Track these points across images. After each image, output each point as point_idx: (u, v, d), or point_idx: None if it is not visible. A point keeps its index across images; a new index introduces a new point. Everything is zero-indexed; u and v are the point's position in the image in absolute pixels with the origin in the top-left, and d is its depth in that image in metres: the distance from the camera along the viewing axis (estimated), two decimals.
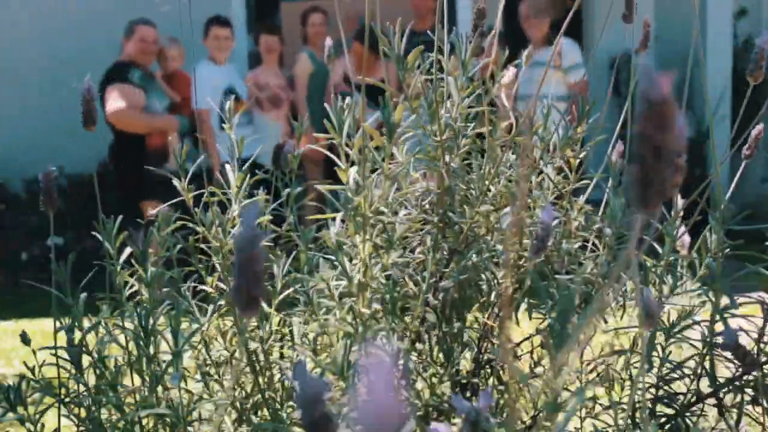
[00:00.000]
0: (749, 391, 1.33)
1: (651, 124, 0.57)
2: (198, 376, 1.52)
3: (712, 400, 1.39)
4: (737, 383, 1.34)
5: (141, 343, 1.37)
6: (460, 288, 1.41)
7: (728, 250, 1.44)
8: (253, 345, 1.45)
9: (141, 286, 1.46)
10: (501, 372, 1.48)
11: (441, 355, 1.42)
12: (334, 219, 1.43)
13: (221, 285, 1.54)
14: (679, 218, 1.57)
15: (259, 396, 1.44)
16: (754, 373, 1.31)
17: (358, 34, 5.16)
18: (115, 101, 4.18)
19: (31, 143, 6.10)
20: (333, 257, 1.38)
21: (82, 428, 1.36)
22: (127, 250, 1.43)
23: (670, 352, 1.44)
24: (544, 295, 1.31)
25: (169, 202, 1.61)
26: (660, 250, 1.52)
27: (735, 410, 1.35)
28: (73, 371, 1.38)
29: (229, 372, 1.48)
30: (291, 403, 1.42)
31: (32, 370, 1.39)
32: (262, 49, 5.22)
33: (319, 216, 1.52)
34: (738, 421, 1.34)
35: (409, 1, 5.44)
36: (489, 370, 1.53)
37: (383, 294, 1.34)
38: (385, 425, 0.47)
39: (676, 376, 1.44)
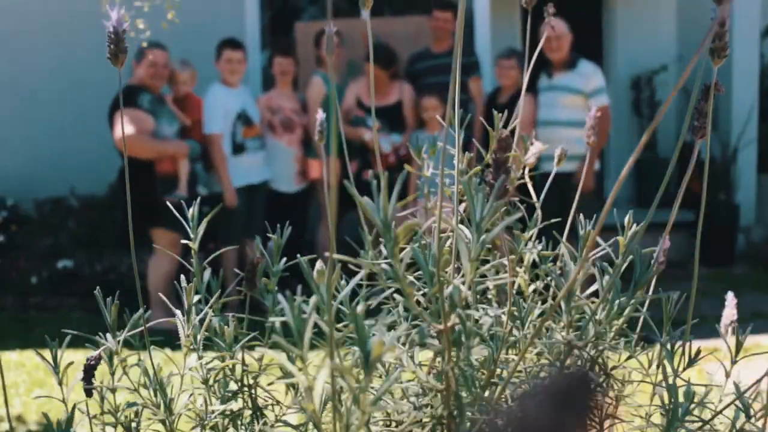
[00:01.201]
0: None
1: None
2: None
3: None
4: None
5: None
6: None
7: None
8: None
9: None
10: None
11: None
12: None
13: None
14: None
15: None
16: None
17: (374, 54, 5.14)
18: (122, 127, 4.18)
19: (43, 163, 6.12)
20: None
21: None
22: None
23: None
24: None
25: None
26: None
27: None
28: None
29: None
30: None
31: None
32: (275, 72, 5.21)
33: None
34: None
35: (427, 23, 5.42)
36: None
37: None
38: None
39: None
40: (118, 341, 1.34)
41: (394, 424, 1.21)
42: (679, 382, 1.22)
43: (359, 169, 5.15)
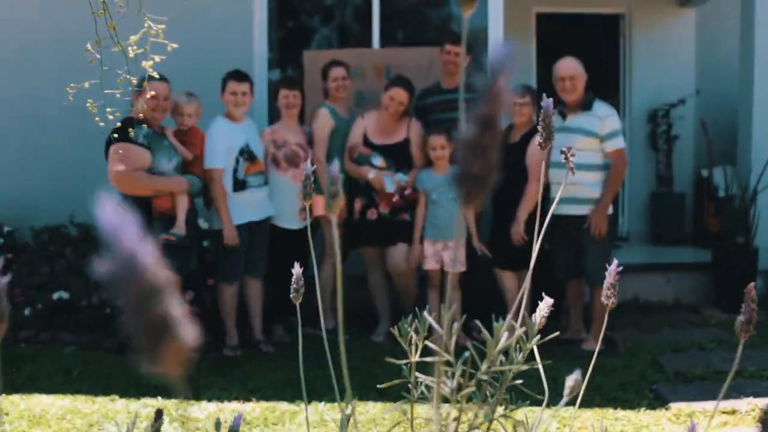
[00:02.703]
0: None
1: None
2: None
3: None
4: None
5: None
6: None
7: None
8: None
9: None
10: None
11: None
12: None
13: None
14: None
15: None
16: None
17: (391, 83, 5.08)
18: (116, 163, 4.09)
19: (41, 191, 6.06)
20: None
21: None
22: None
23: None
24: None
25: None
26: None
27: None
28: None
29: None
30: None
31: None
32: (280, 105, 5.14)
33: None
34: None
35: (438, 56, 5.35)
36: None
37: None
38: None
39: None
40: None
41: None
42: None
43: (364, 208, 5.07)
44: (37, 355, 4.88)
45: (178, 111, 4.69)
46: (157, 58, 2.31)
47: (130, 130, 3.82)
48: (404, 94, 5.01)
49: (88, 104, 2.14)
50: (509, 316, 1.24)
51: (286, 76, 5.70)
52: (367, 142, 5.12)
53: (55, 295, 5.60)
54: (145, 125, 4.41)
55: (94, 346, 5.06)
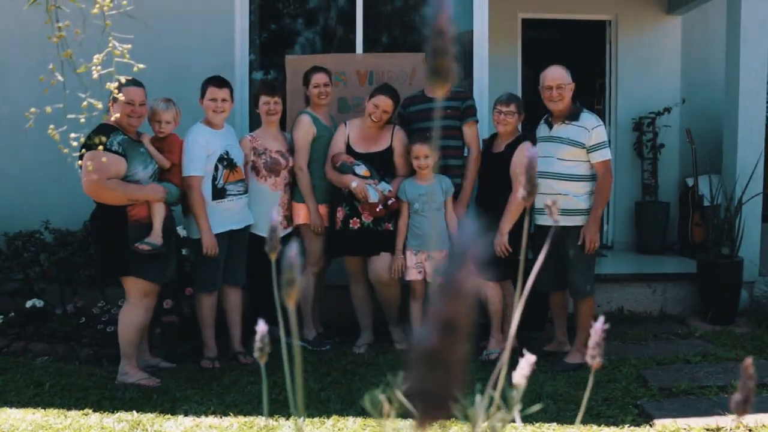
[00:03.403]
0: None
1: None
2: None
3: None
4: None
5: None
6: None
7: None
8: None
9: None
10: None
11: None
12: None
13: None
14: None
15: None
16: None
17: (376, 90, 5.02)
18: (89, 171, 3.99)
19: (14, 196, 5.95)
20: None
21: None
22: None
23: None
24: None
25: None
26: None
27: None
28: None
29: None
30: None
31: None
32: (261, 112, 5.06)
33: None
34: None
35: (423, 63, 5.30)
36: None
37: None
38: None
39: None
40: None
41: None
42: None
43: (346, 217, 5.00)
44: (7, 366, 4.78)
45: (155, 118, 4.59)
46: (123, 79, 2.23)
47: (102, 138, 3.73)
48: (389, 102, 4.96)
49: (50, 131, 2.07)
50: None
51: (266, 82, 5.60)
52: (349, 150, 5.05)
53: (29, 303, 5.50)
54: (120, 132, 4.31)
55: (68, 357, 4.97)
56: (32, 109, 2.12)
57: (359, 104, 5.71)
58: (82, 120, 2.27)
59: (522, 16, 7.66)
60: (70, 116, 2.18)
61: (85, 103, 2.27)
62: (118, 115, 3.55)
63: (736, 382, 4.26)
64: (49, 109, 2.10)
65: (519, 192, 1.16)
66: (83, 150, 3.28)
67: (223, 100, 4.76)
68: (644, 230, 7.43)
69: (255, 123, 5.61)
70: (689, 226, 7.04)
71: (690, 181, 7.16)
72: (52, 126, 2.19)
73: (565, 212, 4.68)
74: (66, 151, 2.12)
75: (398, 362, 4.88)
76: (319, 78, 5.15)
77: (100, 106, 2.25)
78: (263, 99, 5.02)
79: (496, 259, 4.76)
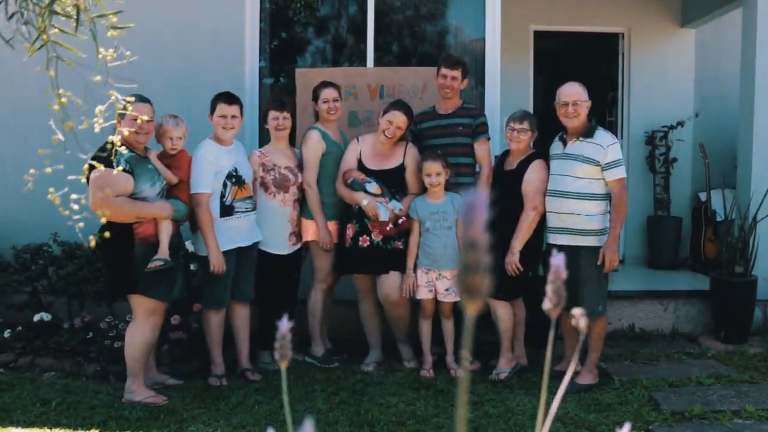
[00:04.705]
0: None
1: None
2: None
3: None
4: None
5: None
6: None
7: None
8: None
9: None
10: None
11: None
12: None
13: None
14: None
15: None
16: None
17: (390, 106, 5.00)
18: (96, 190, 3.98)
19: (22, 208, 5.96)
20: None
21: None
22: None
23: None
24: None
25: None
26: None
27: None
28: None
29: None
30: None
31: None
32: (270, 127, 5.06)
33: None
34: None
35: (434, 79, 5.28)
36: None
37: None
38: None
39: None
40: None
41: None
42: None
43: (356, 234, 4.99)
44: (14, 382, 4.78)
45: (165, 135, 4.59)
46: (126, 131, 2.23)
47: (110, 154, 3.72)
48: (403, 118, 4.94)
49: (49, 196, 2.06)
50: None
51: (275, 97, 5.58)
52: (361, 166, 5.03)
53: (36, 317, 5.50)
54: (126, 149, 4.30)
55: (75, 373, 4.97)
56: (31, 170, 2.12)
57: (369, 118, 5.70)
58: (83, 180, 2.28)
59: (534, 28, 7.64)
60: (70, 177, 2.20)
61: (86, 165, 2.29)
62: (126, 132, 3.54)
63: (750, 407, 4.23)
64: (48, 169, 2.09)
65: (546, 300, 1.13)
66: (95, 163, 3.30)
67: (233, 116, 4.76)
68: (656, 245, 7.39)
69: (264, 137, 5.60)
70: (702, 242, 7.00)
71: (703, 196, 7.12)
72: (51, 189, 2.19)
73: (576, 232, 4.66)
74: (66, 213, 2.11)
75: (406, 382, 4.86)
76: (328, 93, 5.14)
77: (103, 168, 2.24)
78: (272, 114, 5.02)
79: (507, 278, 4.74)
